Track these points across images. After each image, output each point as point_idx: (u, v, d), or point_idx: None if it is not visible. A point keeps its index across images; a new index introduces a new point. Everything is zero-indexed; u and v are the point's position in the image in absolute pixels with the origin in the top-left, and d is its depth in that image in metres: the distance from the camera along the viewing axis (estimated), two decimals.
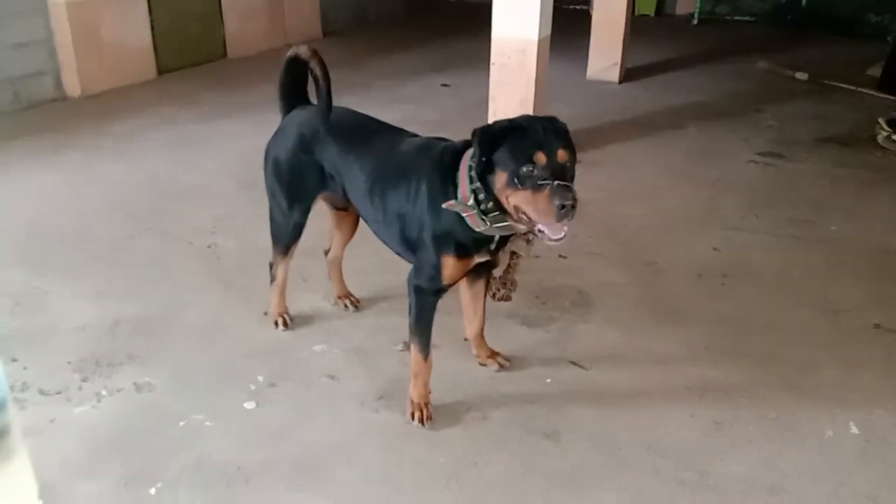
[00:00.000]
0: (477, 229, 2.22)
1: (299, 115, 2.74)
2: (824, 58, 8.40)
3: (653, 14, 11.23)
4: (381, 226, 2.51)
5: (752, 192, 4.62)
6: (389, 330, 3.02)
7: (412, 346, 2.48)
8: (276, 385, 2.68)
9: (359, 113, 2.75)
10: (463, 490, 2.24)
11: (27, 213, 4.15)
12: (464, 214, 2.20)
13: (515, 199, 2.09)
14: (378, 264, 3.31)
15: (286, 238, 2.82)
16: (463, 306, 2.76)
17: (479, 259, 2.39)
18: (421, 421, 2.48)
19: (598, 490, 2.26)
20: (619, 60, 7.20)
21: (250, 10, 8.24)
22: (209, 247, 3.74)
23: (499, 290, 3.07)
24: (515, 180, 2.06)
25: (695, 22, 10.66)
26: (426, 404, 2.52)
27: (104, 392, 2.62)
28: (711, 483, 2.29)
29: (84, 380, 2.69)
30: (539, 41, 4.70)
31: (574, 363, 2.86)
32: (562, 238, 2.13)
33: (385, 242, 2.55)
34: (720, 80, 7.53)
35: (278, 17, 8.66)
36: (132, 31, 6.83)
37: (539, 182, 2.03)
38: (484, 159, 2.11)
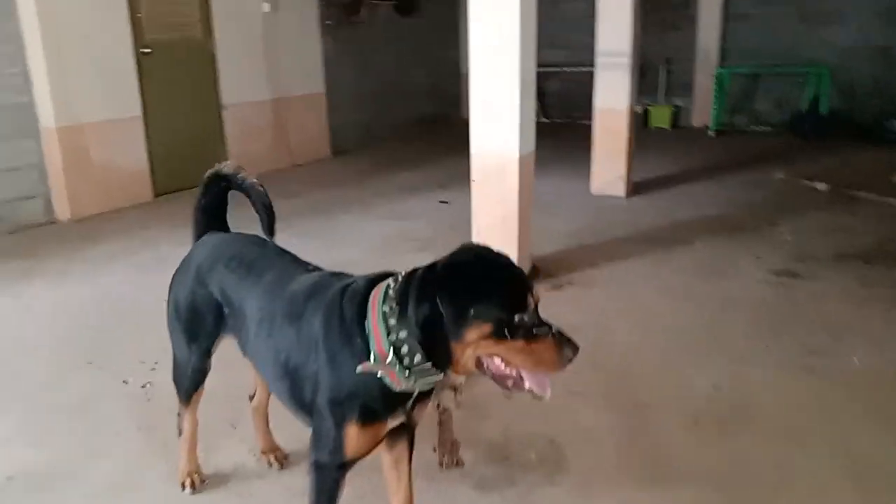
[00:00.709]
0: (397, 389, 1.81)
1: (204, 243, 2.42)
2: (845, 167, 8.03)
3: (668, 127, 11.08)
4: (270, 379, 2.10)
5: (762, 317, 4.12)
6: None
7: None
8: None
9: (263, 241, 2.39)
10: None
11: None
12: (381, 375, 1.79)
13: (499, 350, 1.70)
14: None
15: (186, 384, 2.45)
16: (384, 474, 2.28)
17: (393, 423, 1.95)
18: None
19: None
20: (623, 174, 6.92)
21: (254, 131, 8.25)
22: (143, 386, 3.37)
23: (443, 456, 2.64)
24: (505, 332, 1.68)
25: (711, 133, 10.44)
26: None
27: None
28: None
29: None
30: (521, 157, 4.42)
31: None
32: (548, 391, 1.78)
33: (278, 398, 2.13)
34: (734, 192, 7.16)
35: (282, 137, 8.67)
36: (127, 155, 6.79)
37: (535, 330, 1.70)
38: (468, 311, 1.67)
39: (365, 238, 5.69)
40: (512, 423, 3.02)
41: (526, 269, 4.70)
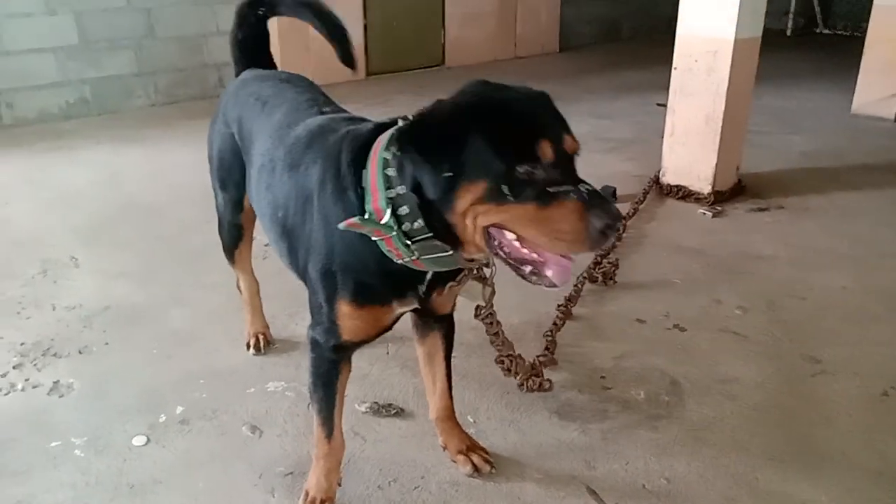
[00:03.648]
0: (398, 261, 1.41)
1: (235, 82, 2.12)
2: None
3: None
4: (271, 237, 1.78)
5: None
6: (372, 381, 2.27)
7: (313, 417, 1.71)
8: (188, 423, 2.08)
9: (291, 76, 2.03)
10: None
11: (138, 186, 4.11)
12: (375, 237, 1.39)
13: (502, 218, 1.25)
14: None
15: (225, 239, 2.26)
16: (420, 368, 1.90)
17: (402, 309, 1.55)
18: None
19: None
20: None
21: (476, 15, 7.85)
22: (266, 245, 3.28)
23: (515, 375, 2.18)
24: (504, 191, 1.22)
25: None
26: (325, 501, 1.73)
27: (20, 385, 2.25)
28: None
29: (16, 366, 2.35)
30: (736, 42, 3.55)
31: (593, 492, 1.85)
32: (566, 280, 1.31)
33: (281, 261, 1.80)
34: None
35: (508, 25, 8.18)
36: None
37: (552, 190, 1.20)
38: (444, 168, 1.24)
39: None
40: (631, 352, 2.46)
41: (726, 181, 3.88)
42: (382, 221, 1.34)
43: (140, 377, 2.31)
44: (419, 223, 1.33)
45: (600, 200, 1.19)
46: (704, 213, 3.73)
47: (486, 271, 1.57)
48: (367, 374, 2.31)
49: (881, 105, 5.57)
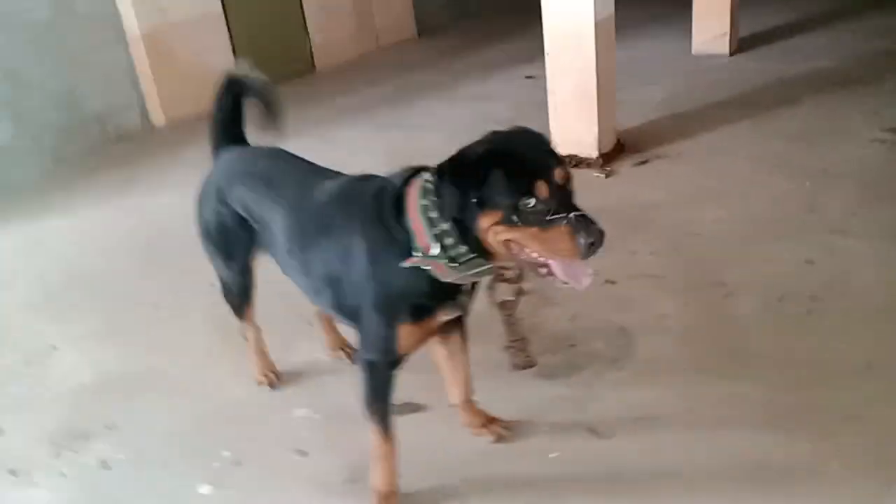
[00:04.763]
0: (445, 280, 1.80)
1: (221, 160, 2.40)
2: None
3: None
4: (310, 291, 2.12)
5: (868, 183, 3.75)
6: None
7: (371, 427, 2.08)
8: (241, 464, 2.38)
9: (277, 152, 2.36)
10: None
11: (69, 254, 4.16)
12: (427, 268, 1.77)
13: (515, 237, 1.67)
14: None
15: (236, 300, 2.54)
16: (440, 368, 2.31)
17: (446, 317, 1.94)
18: None
19: None
20: (727, 30, 6.30)
21: (336, 16, 8.08)
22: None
23: (516, 356, 2.61)
24: (514, 218, 1.63)
25: None
26: (392, 493, 2.11)
27: (66, 471, 2.45)
28: None
29: (55, 455, 2.53)
30: (597, 24, 4.08)
31: (592, 430, 2.33)
32: (587, 281, 1.73)
33: (322, 309, 2.15)
34: (853, 42, 6.39)
35: (367, 19, 8.46)
36: (212, 53, 6.85)
37: (548, 217, 1.62)
38: (469, 200, 1.65)
39: (444, 124, 5.53)
40: (581, 312, 2.95)
41: (607, 143, 4.45)
42: (433, 252, 1.73)
43: (173, 433, 2.56)
44: (462, 248, 1.73)
45: (586, 223, 1.62)
46: (598, 176, 4.28)
47: (509, 272, 1.97)
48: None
49: (715, 43, 6.36)
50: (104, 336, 3.23)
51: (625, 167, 4.37)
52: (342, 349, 2.82)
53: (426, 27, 9.22)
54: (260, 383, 2.72)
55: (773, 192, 3.78)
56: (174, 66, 6.51)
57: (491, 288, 2.05)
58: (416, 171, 1.84)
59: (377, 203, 1.85)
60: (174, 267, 3.78)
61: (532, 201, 1.61)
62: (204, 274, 3.59)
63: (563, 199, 1.65)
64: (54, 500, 2.34)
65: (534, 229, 1.63)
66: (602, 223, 1.63)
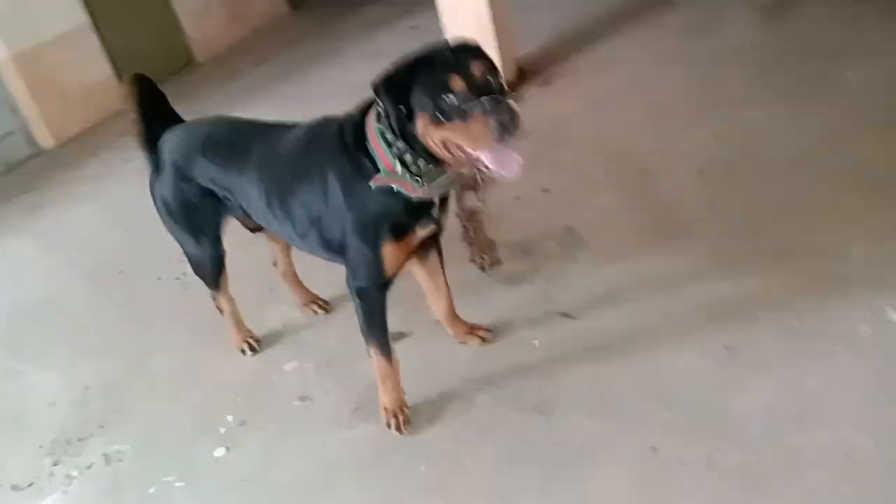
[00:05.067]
0: (414, 196, 1.91)
1: (168, 141, 2.40)
2: None
3: None
4: (295, 238, 2.20)
5: (754, 59, 4.08)
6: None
7: (371, 352, 2.20)
8: (247, 423, 2.46)
9: (228, 119, 2.42)
10: (449, 499, 1.98)
11: (5, 288, 4.03)
12: (395, 186, 1.88)
13: (445, 135, 1.76)
14: None
15: (209, 273, 2.57)
16: (423, 287, 2.44)
17: (423, 232, 2.06)
18: (398, 428, 2.22)
19: (599, 466, 1.96)
20: None
21: (206, 6, 7.89)
22: (177, 278, 3.52)
23: (481, 258, 2.77)
24: (438, 115, 1.73)
25: None
26: (401, 408, 2.25)
27: (75, 473, 2.46)
28: (730, 425, 1.97)
29: (55, 463, 2.53)
30: None
31: (564, 314, 2.53)
32: (517, 168, 1.78)
33: (308, 252, 2.24)
34: None
35: (237, 2, 8.30)
36: (90, 66, 6.61)
37: (465, 107, 1.71)
38: (401, 109, 1.77)
39: (342, 89, 5.44)
40: (529, 222, 3.14)
41: (512, 74, 4.63)
42: (397, 171, 1.85)
43: (171, 414, 2.60)
44: (421, 162, 1.85)
45: (498, 106, 1.69)
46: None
47: (476, 179, 2.11)
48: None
49: None
50: (77, 354, 3.17)
51: (531, 91, 4.56)
52: (313, 302, 2.90)
53: (297, 2, 9.11)
54: (242, 351, 2.78)
55: (674, 84, 4.06)
56: (53, 86, 6.25)
57: (459, 198, 2.19)
58: (371, 102, 1.93)
59: (340, 138, 1.96)
60: (120, 273, 3.75)
61: (451, 96, 1.72)
62: (151, 270, 3.63)
63: (482, 90, 1.73)
64: (73, 499, 2.36)
65: (458, 123, 1.73)
66: (520, 116, 1.69)
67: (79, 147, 6.13)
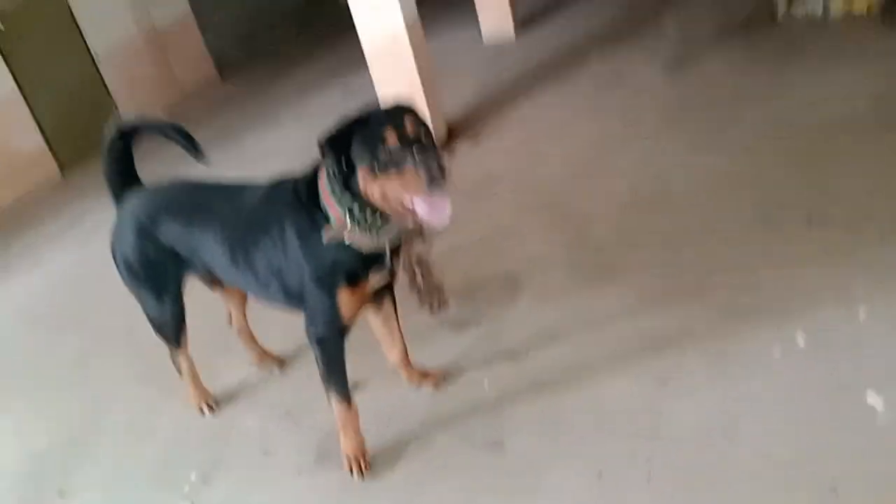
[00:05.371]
0: (366, 247, 2.07)
1: (131, 203, 2.53)
2: None
3: None
4: (258, 289, 2.34)
5: (663, 109, 4.46)
6: (318, 380, 2.86)
7: (331, 399, 2.33)
8: (210, 480, 2.53)
9: (190, 182, 2.57)
10: None
11: None
12: (346, 237, 2.04)
13: (383, 188, 1.93)
14: None
15: (170, 331, 2.66)
16: (377, 335, 2.60)
17: (377, 279, 2.21)
18: (360, 473, 2.34)
19: (550, 494, 2.13)
20: (508, 12, 6.97)
21: (135, 74, 7.95)
22: (128, 333, 3.56)
23: (431, 302, 2.95)
24: (375, 168, 1.91)
25: None
26: (362, 453, 2.38)
27: None
28: (665, 444, 2.17)
29: None
30: (408, 28, 4.49)
31: (510, 356, 2.72)
32: (446, 216, 1.94)
33: (270, 303, 2.37)
34: None
35: (167, 74, 8.40)
36: (17, 136, 6.58)
37: (398, 159, 1.89)
38: (343, 163, 1.94)
39: (279, 151, 5.68)
40: (469, 269, 3.34)
41: (441, 134, 4.89)
42: (346, 223, 2.01)
43: (133, 472, 2.65)
44: (368, 213, 2.01)
45: (427, 156, 1.87)
46: None
47: (416, 230, 2.28)
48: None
49: (501, 29, 7.01)
50: (22, 417, 3.17)
51: (461, 148, 4.82)
52: (268, 360, 3.01)
53: (226, 68, 9.28)
54: (201, 410, 2.85)
55: (593, 136, 4.39)
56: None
57: (406, 246, 2.37)
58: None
59: (296, 195, 2.12)
60: (78, 328, 3.79)
61: (385, 151, 1.90)
62: (110, 324, 3.65)
63: (414, 145, 1.90)
64: None
65: (392, 173, 1.90)
66: (447, 167, 1.88)
67: (10, 220, 6.07)
